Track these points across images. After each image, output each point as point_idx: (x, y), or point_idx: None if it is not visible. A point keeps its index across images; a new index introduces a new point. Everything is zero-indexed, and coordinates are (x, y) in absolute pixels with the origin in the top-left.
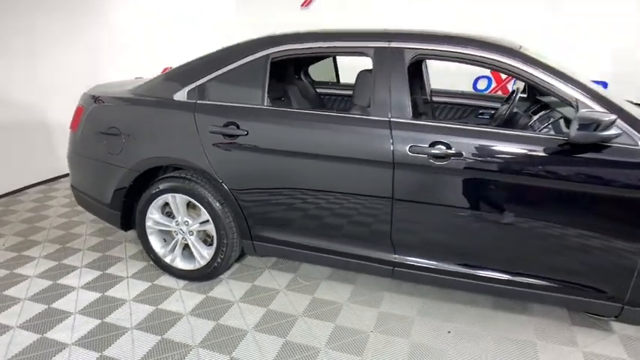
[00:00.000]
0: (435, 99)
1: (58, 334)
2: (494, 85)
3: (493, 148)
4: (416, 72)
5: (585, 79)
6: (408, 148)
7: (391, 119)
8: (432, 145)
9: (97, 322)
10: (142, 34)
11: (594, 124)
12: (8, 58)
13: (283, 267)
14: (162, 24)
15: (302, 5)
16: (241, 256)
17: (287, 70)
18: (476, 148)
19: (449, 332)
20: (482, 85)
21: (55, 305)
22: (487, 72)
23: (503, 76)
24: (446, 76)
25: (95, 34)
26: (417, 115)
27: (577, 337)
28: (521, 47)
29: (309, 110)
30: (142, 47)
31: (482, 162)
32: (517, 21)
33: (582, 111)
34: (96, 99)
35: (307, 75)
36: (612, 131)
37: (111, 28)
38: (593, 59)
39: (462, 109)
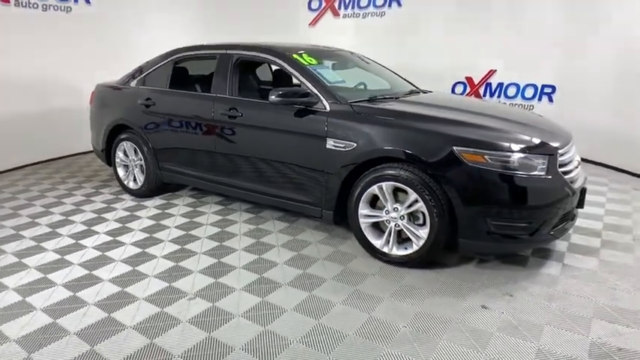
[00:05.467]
0: None
1: (43, 243)
2: (468, 89)
3: (251, 110)
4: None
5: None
6: (219, 111)
7: (216, 95)
8: (230, 109)
9: (100, 205)
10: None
11: (291, 93)
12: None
13: (195, 195)
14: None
15: (309, 24)
16: (179, 187)
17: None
18: (246, 110)
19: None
20: (459, 89)
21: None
22: (463, 79)
23: (476, 82)
24: (430, 81)
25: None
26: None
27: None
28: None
29: (182, 90)
30: None
31: (248, 118)
32: (486, 36)
33: (281, 88)
34: (100, 86)
35: (254, 75)
36: (307, 99)
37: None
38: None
39: None
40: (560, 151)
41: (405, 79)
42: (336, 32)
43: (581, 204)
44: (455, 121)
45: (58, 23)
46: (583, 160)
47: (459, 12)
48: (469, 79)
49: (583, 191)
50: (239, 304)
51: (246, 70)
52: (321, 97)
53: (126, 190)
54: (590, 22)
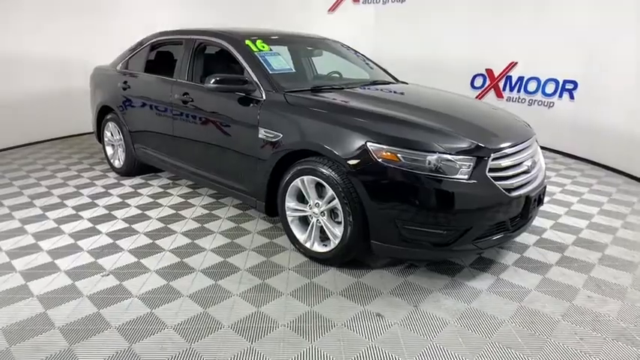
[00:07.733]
0: None
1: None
2: (488, 82)
3: (201, 95)
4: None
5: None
6: (175, 95)
7: (177, 80)
8: (183, 94)
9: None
10: None
11: (228, 80)
12: None
13: (172, 177)
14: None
15: (329, 10)
16: (159, 172)
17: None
18: (196, 95)
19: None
20: (478, 82)
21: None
22: (483, 71)
23: (496, 74)
24: (449, 72)
25: None
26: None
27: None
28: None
29: (152, 75)
30: None
31: (196, 101)
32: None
33: (218, 74)
34: (95, 69)
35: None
36: (244, 86)
37: None
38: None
39: None
40: (497, 154)
41: (383, 70)
42: (355, 19)
43: (524, 214)
44: (378, 116)
45: (82, 10)
46: (599, 165)
47: (481, 0)
48: (489, 72)
49: (528, 200)
50: (144, 285)
51: (209, 56)
52: (259, 85)
53: (112, 168)
54: (618, 16)
